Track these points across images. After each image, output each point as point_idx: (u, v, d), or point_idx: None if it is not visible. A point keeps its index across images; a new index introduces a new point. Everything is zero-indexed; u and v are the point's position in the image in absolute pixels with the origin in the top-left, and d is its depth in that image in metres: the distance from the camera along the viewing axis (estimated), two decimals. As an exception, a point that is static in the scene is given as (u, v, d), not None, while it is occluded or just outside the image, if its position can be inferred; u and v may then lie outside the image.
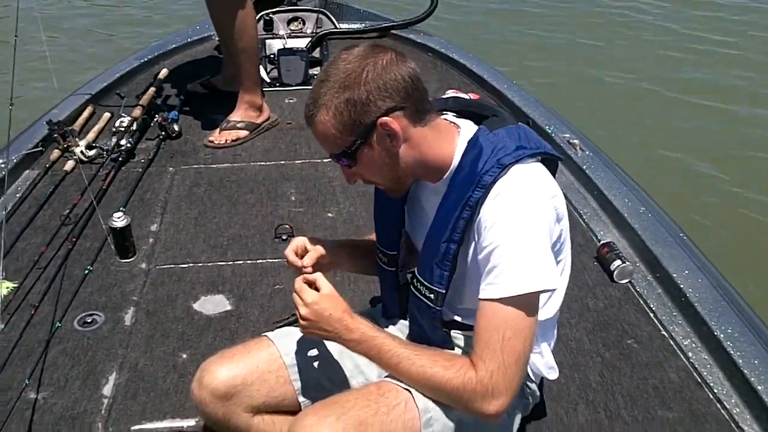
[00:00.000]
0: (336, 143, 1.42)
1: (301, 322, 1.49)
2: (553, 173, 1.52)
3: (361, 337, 1.47)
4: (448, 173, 1.47)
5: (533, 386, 1.69)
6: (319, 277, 1.52)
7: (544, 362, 1.64)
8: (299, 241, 1.64)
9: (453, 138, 1.48)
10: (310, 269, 1.58)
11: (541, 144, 1.48)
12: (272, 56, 4.03)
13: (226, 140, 3.31)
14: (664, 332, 2.17)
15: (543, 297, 1.44)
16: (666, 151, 4.88)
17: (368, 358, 1.49)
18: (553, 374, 1.67)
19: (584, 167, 2.89)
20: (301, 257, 1.62)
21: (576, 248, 2.38)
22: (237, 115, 3.36)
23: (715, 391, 1.96)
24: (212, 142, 3.32)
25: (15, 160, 3.01)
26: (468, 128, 1.50)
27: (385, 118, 1.37)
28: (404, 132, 1.40)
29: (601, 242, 2.50)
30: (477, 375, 1.36)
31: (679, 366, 2.04)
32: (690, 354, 2.08)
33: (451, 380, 1.39)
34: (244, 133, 3.35)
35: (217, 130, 3.36)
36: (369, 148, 1.42)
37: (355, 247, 1.83)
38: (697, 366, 2.04)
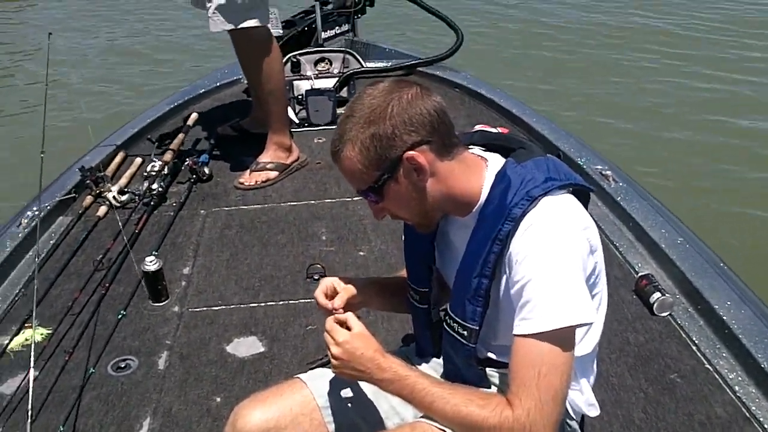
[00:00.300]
0: (362, 179, 1.41)
1: (333, 361, 1.47)
2: (585, 205, 1.49)
3: (394, 376, 1.43)
4: (476, 207, 1.45)
5: (573, 424, 1.64)
6: (350, 317, 1.50)
7: (584, 399, 1.59)
8: (328, 282, 1.62)
9: (481, 171, 1.45)
10: (341, 310, 1.56)
11: (571, 175, 1.45)
12: (300, 97, 4.05)
13: (257, 181, 3.33)
14: (708, 366, 2.10)
15: (580, 332, 1.40)
16: (700, 179, 4.81)
17: (401, 398, 1.45)
18: (593, 411, 1.61)
19: (618, 199, 2.85)
20: (331, 298, 1.59)
21: (614, 282, 2.34)
22: (266, 157, 3.38)
23: (766, 426, 1.89)
24: (242, 183, 3.34)
25: (48, 207, 3.04)
26: (495, 161, 1.47)
27: (411, 152, 1.36)
28: (431, 166, 1.39)
29: (639, 275, 2.44)
30: (513, 414, 1.32)
31: (725, 400, 1.97)
32: (737, 388, 2.02)
33: (487, 419, 1.35)
34: (273, 174, 3.36)
35: (247, 171, 3.38)
36: (395, 183, 1.40)
37: (385, 285, 1.80)
38: (744, 400, 1.97)
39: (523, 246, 1.35)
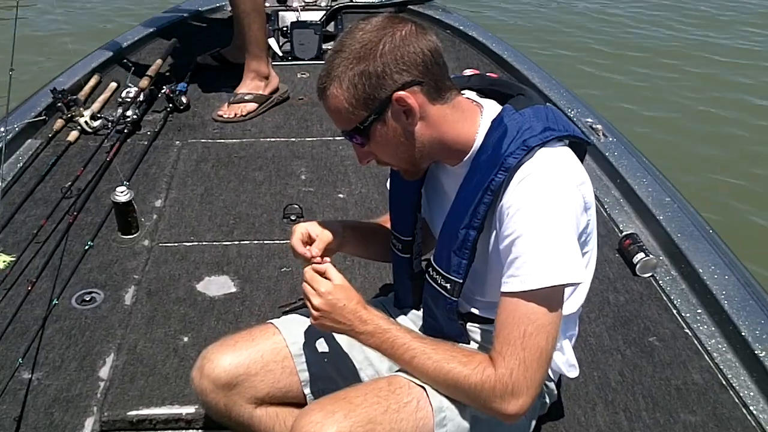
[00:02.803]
0: (348, 118, 1.33)
1: (314, 312, 1.41)
2: (581, 158, 1.43)
3: (375, 329, 1.39)
4: (468, 155, 1.38)
5: (551, 385, 1.62)
6: (329, 268, 1.44)
7: (565, 359, 1.56)
8: (303, 229, 1.54)
9: (475, 117, 1.38)
10: (318, 259, 1.49)
11: (569, 126, 1.39)
12: (285, 29, 3.92)
13: (235, 114, 3.22)
14: (687, 330, 2.07)
15: (567, 291, 1.35)
16: (692, 140, 4.73)
17: (381, 352, 1.41)
18: (573, 372, 1.58)
19: (607, 154, 2.79)
20: (306, 244, 1.52)
21: (597, 240, 2.29)
22: (244, 87, 3.26)
23: (741, 394, 1.86)
24: (221, 116, 3.22)
25: (17, 129, 2.93)
26: (491, 108, 1.40)
27: (400, 92, 1.28)
28: (421, 109, 1.31)
29: (624, 234, 2.40)
30: (496, 372, 1.28)
31: (703, 366, 1.95)
32: (715, 354, 1.99)
33: (468, 377, 1.30)
34: (252, 105, 3.25)
35: (226, 104, 3.26)
36: (383, 125, 1.32)
37: (361, 231, 1.73)
38: (722, 367, 1.95)
39: (516, 199, 1.29)
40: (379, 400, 1.34)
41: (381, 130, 1.33)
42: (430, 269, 1.49)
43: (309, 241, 1.53)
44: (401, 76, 1.28)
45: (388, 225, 1.66)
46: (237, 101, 3.24)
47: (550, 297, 1.28)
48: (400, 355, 1.37)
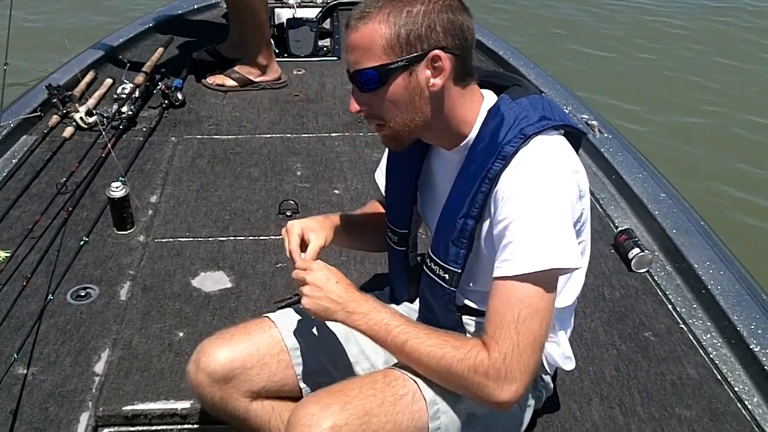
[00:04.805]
0: (377, 56, 1.29)
1: (307, 288, 1.41)
2: (576, 149, 1.43)
3: (369, 310, 1.37)
4: (464, 142, 1.39)
5: (547, 378, 1.61)
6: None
7: (561, 352, 1.56)
8: (297, 230, 1.55)
9: (478, 106, 1.39)
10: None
11: (565, 117, 1.39)
12: (281, 26, 3.91)
13: (213, 82, 3.40)
14: (683, 325, 2.07)
15: (561, 281, 1.35)
16: (688, 137, 4.74)
17: (373, 336, 1.38)
18: (569, 364, 1.58)
19: (602, 150, 2.79)
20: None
21: (592, 235, 2.28)
22: (239, 67, 3.42)
23: (736, 389, 1.87)
24: (207, 83, 3.42)
25: (12, 125, 2.91)
26: (489, 98, 1.41)
27: (440, 51, 1.28)
28: (446, 79, 1.31)
29: (619, 229, 2.40)
30: (490, 357, 1.26)
31: (698, 362, 1.95)
32: (710, 349, 1.99)
33: (461, 361, 1.28)
34: (231, 83, 3.41)
35: (221, 73, 3.43)
36: (407, 76, 1.30)
37: (351, 225, 1.72)
38: (717, 362, 1.95)
39: (510, 184, 1.29)
40: (375, 393, 1.33)
41: (402, 81, 1.30)
42: (427, 260, 1.48)
43: (300, 242, 1.55)
44: (446, 38, 1.28)
45: (376, 210, 1.66)
46: (226, 74, 3.41)
47: (544, 281, 1.27)
48: (393, 338, 1.35)
